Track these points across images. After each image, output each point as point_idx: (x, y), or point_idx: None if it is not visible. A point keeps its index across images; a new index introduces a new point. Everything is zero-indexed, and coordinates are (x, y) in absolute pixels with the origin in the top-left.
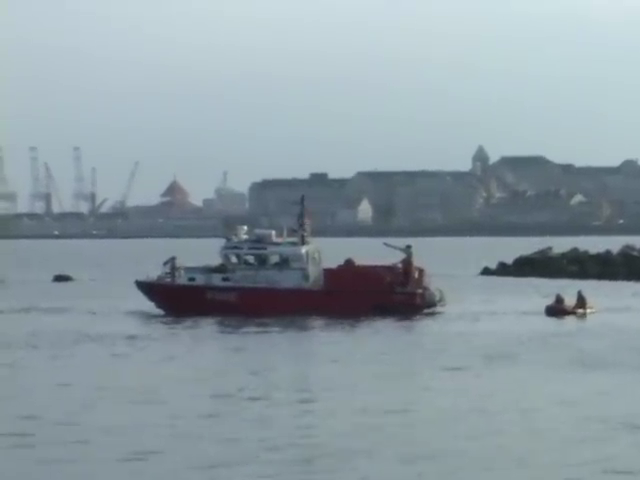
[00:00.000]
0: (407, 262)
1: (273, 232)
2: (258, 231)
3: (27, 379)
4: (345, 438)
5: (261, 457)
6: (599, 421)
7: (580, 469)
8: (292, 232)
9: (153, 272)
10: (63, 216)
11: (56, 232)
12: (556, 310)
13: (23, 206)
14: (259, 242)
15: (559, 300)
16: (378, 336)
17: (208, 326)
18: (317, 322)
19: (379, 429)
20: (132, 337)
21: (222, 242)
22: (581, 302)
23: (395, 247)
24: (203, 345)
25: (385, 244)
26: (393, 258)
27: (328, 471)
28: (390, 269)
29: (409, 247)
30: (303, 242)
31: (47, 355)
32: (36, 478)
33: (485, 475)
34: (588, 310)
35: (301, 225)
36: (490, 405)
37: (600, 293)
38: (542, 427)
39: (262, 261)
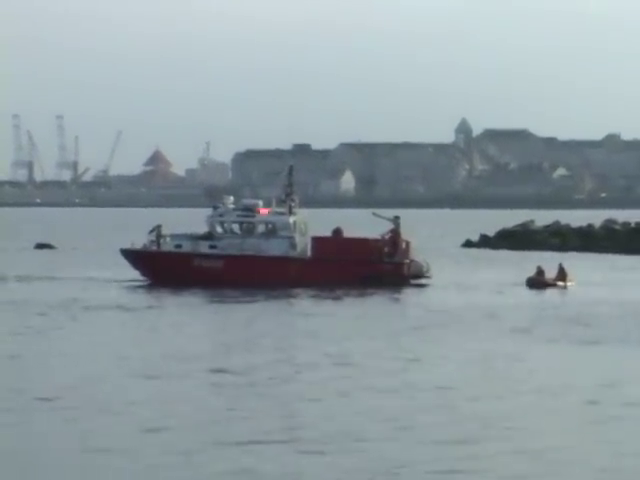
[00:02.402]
0: (395, 232)
1: (260, 202)
2: (245, 200)
3: (13, 348)
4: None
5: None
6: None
7: None
8: (280, 202)
9: (137, 240)
10: (45, 184)
11: (38, 200)
12: (537, 282)
13: (5, 174)
14: (247, 211)
15: (540, 272)
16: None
17: (194, 296)
18: (306, 292)
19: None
20: (119, 306)
21: (208, 211)
22: (562, 275)
23: (383, 217)
24: (189, 317)
25: (374, 214)
26: (380, 228)
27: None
28: (377, 239)
29: (397, 218)
30: (291, 212)
31: (33, 323)
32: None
33: None
34: (568, 283)
35: (288, 195)
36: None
37: (581, 266)
38: None
39: (249, 230)
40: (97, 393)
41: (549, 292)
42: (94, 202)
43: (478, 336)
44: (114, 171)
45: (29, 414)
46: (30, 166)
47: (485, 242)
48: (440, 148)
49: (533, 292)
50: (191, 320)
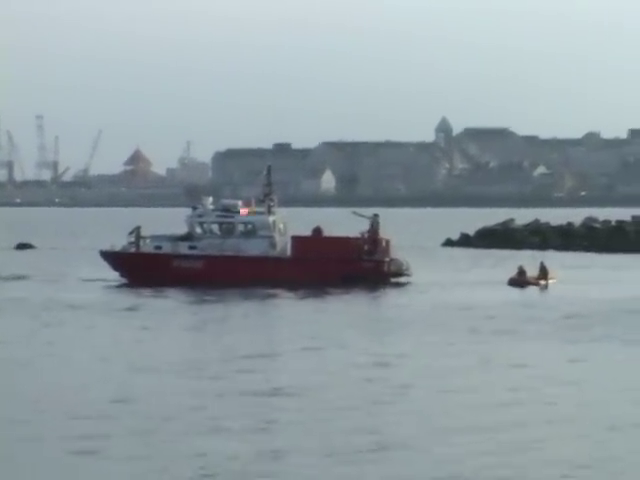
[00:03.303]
0: (374, 231)
1: (240, 202)
2: (225, 201)
3: None
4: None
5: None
6: None
7: None
8: (259, 202)
9: (118, 241)
10: (25, 184)
11: (18, 200)
12: (518, 281)
13: None
14: (226, 211)
15: (521, 272)
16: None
17: (174, 297)
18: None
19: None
20: (100, 307)
21: (188, 211)
22: (543, 273)
23: (363, 215)
24: (169, 318)
25: (353, 212)
26: (360, 227)
27: None
28: (357, 238)
29: (376, 216)
30: (270, 212)
31: (15, 324)
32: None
33: None
34: (550, 281)
35: (267, 195)
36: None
37: (562, 264)
38: None
39: (229, 230)
40: (84, 395)
41: (531, 290)
42: (74, 202)
43: (464, 336)
44: (94, 171)
45: (16, 420)
46: (10, 166)
47: (465, 241)
48: (421, 147)
49: (515, 290)
50: (173, 321)
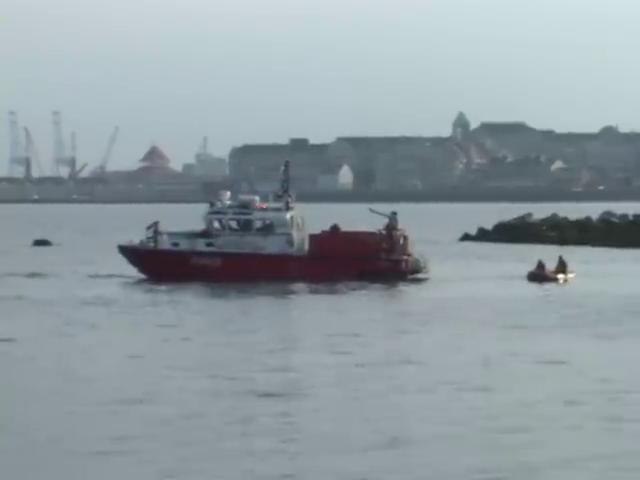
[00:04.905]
0: (391, 228)
1: (257, 198)
2: (242, 197)
3: (17, 345)
4: None
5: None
6: None
7: None
8: (277, 198)
9: (135, 237)
10: (43, 181)
11: (36, 196)
12: (538, 275)
13: (2, 170)
14: (243, 207)
15: (540, 266)
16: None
17: (192, 292)
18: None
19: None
20: (119, 303)
21: (205, 207)
22: (562, 267)
23: (380, 213)
24: (188, 313)
25: (370, 210)
26: (377, 223)
27: None
28: (374, 235)
29: (394, 214)
30: (287, 208)
31: (36, 321)
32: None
33: None
34: (569, 275)
35: (285, 191)
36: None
37: (580, 259)
38: None
39: (246, 226)
40: (106, 391)
41: (551, 285)
42: (92, 198)
43: (488, 332)
44: (111, 167)
45: (36, 413)
46: (27, 162)
47: (483, 236)
48: (438, 142)
49: (535, 285)
50: (193, 317)
